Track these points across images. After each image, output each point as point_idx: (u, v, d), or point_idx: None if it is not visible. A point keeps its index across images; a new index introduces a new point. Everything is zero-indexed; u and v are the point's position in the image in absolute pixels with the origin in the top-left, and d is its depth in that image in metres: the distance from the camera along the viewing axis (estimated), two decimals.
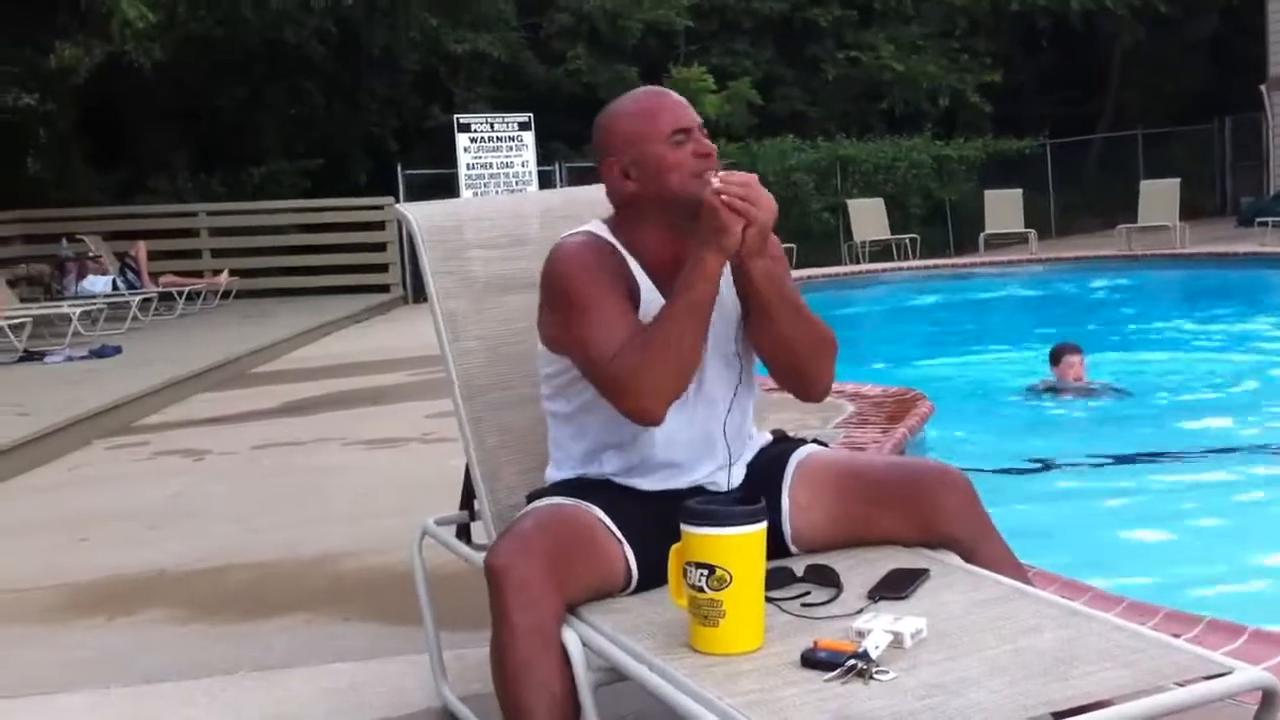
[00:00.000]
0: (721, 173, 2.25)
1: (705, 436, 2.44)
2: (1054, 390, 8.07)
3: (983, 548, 2.34)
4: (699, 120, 2.42)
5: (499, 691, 2.13)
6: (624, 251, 2.43)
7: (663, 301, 2.31)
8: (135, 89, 18.97)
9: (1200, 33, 26.19)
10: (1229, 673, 1.79)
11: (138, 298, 14.34)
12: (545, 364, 2.50)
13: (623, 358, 2.23)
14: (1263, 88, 22.96)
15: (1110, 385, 8.27)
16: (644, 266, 2.42)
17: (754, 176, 2.23)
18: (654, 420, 2.28)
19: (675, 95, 2.46)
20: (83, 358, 10.88)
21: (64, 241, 15.81)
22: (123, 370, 9.95)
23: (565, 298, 2.37)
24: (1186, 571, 4.56)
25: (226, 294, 16.90)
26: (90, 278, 15.04)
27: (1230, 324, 11.67)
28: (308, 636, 3.68)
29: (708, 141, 2.39)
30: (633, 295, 2.37)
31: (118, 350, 11.23)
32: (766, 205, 2.20)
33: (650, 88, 2.52)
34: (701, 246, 2.22)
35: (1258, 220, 18.56)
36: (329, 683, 3.26)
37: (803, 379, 2.44)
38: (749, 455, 2.54)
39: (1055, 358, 8.18)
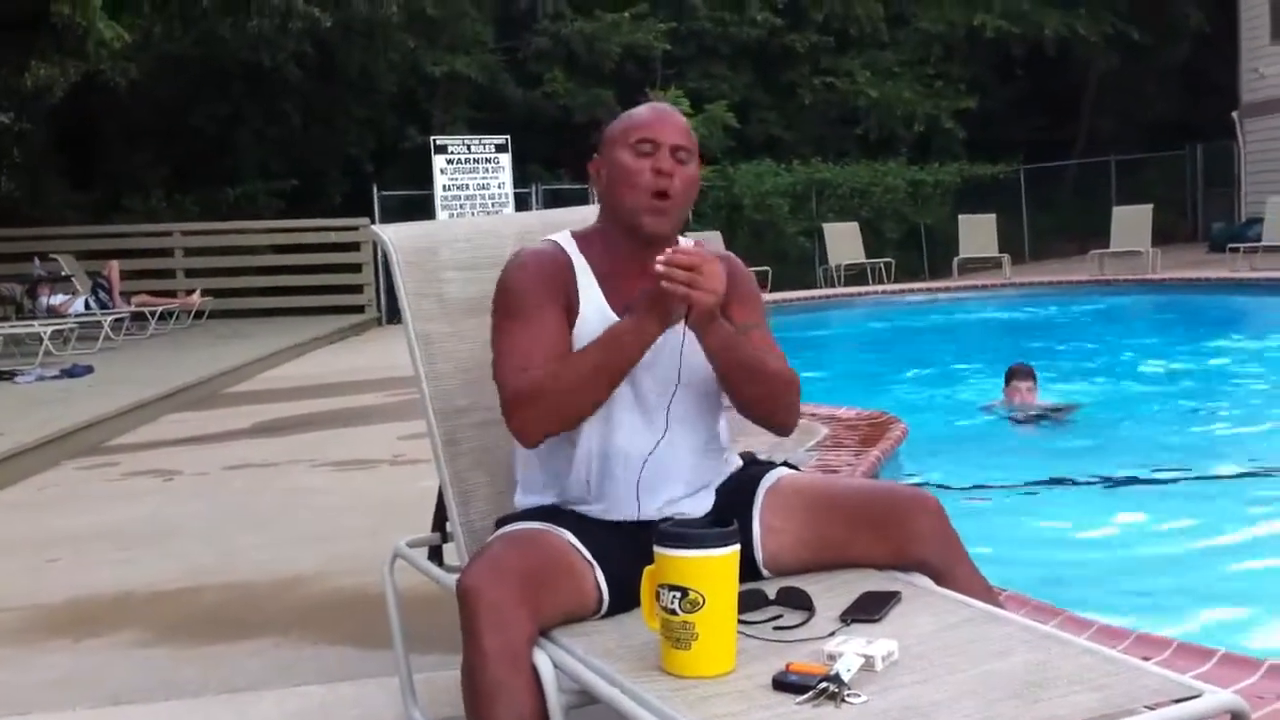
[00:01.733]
0: (671, 249, 2.22)
1: (666, 463, 2.42)
2: (1018, 415, 8.06)
3: (955, 571, 2.35)
4: (681, 144, 2.40)
5: (469, 714, 2.12)
6: (581, 263, 2.45)
7: (610, 314, 2.37)
8: (111, 108, 18.95)
9: (1172, 60, 26.45)
10: (1199, 696, 1.79)
11: (110, 317, 14.27)
12: None
13: (527, 376, 2.29)
14: (1234, 115, 23.18)
15: (1062, 406, 8.23)
16: (600, 279, 2.44)
17: (704, 255, 2.21)
18: (525, 442, 2.34)
19: (674, 116, 2.46)
20: (54, 377, 10.81)
21: (36, 261, 15.74)
22: (94, 390, 9.90)
23: (502, 304, 2.42)
24: (1157, 594, 4.57)
25: (200, 314, 16.86)
26: (62, 298, 14.97)
27: (1201, 348, 11.73)
28: (277, 658, 3.65)
29: (670, 161, 2.38)
30: (571, 310, 2.40)
31: (89, 370, 11.16)
32: (712, 286, 2.19)
33: (655, 104, 2.53)
34: (646, 316, 2.24)
35: (1229, 246, 18.71)
36: (298, 705, 3.24)
37: (766, 420, 2.48)
38: (718, 481, 2.54)
39: (1006, 379, 8.17)
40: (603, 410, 2.36)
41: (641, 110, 2.47)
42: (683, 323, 2.27)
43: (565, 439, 2.39)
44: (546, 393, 2.27)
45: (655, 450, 2.40)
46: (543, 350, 2.32)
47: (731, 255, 2.55)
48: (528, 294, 2.38)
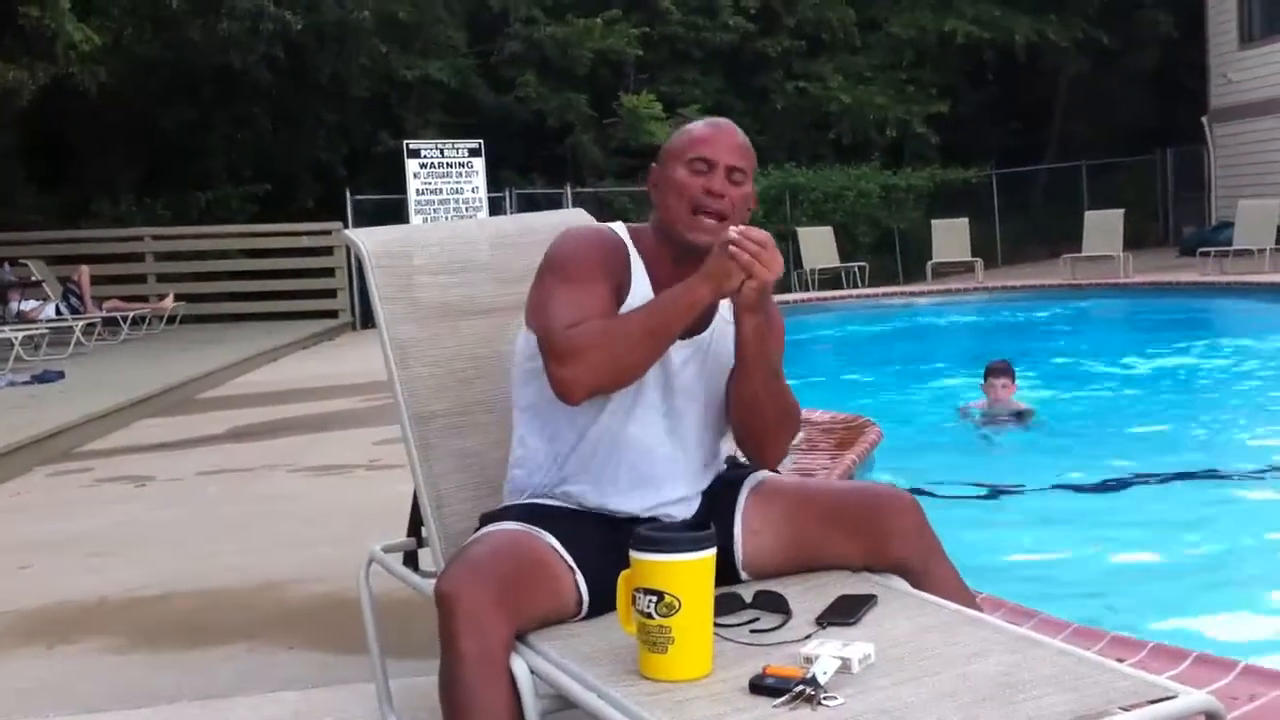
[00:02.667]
0: (744, 226, 2.27)
1: (672, 464, 2.44)
2: (988, 417, 8.06)
3: (932, 571, 2.36)
4: (737, 164, 2.41)
5: (446, 717, 2.11)
6: (635, 254, 2.46)
7: None
8: (80, 112, 18.80)
9: (1142, 65, 26.60)
10: (1174, 697, 1.80)
11: (81, 323, 14.18)
12: (524, 346, 2.49)
13: (578, 330, 2.27)
14: (1204, 119, 23.34)
15: (1025, 410, 8.24)
16: (650, 274, 2.45)
17: (770, 237, 2.24)
18: (571, 396, 2.30)
19: (732, 135, 2.46)
20: (25, 383, 10.73)
21: (6, 266, 15.63)
22: (66, 396, 9.83)
23: (554, 266, 2.41)
24: (1132, 596, 4.60)
25: (172, 319, 16.77)
26: (33, 303, 14.87)
27: (1172, 352, 11.81)
28: (252, 665, 3.63)
29: (723, 181, 2.39)
30: (621, 290, 2.40)
31: (61, 375, 11.09)
32: (774, 267, 2.23)
33: (717, 120, 2.54)
34: (700, 278, 2.25)
35: (1199, 250, 18.81)
36: (273, 712, 3.23)
37: (759, 444, 2.48)
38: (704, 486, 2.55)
39: (984, 376, 8.16)
40: (627, 404, 2.38)
41: (701, 127, 2.48)
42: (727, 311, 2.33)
43: (588, 417, 2.39)
44: (597, 346, 2.26)
45: (668, 449, 2.43)
46: (593, 313, 2.31)
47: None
48: (583, 262, 2.39)
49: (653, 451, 2.42)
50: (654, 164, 2.52)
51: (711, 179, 2.39)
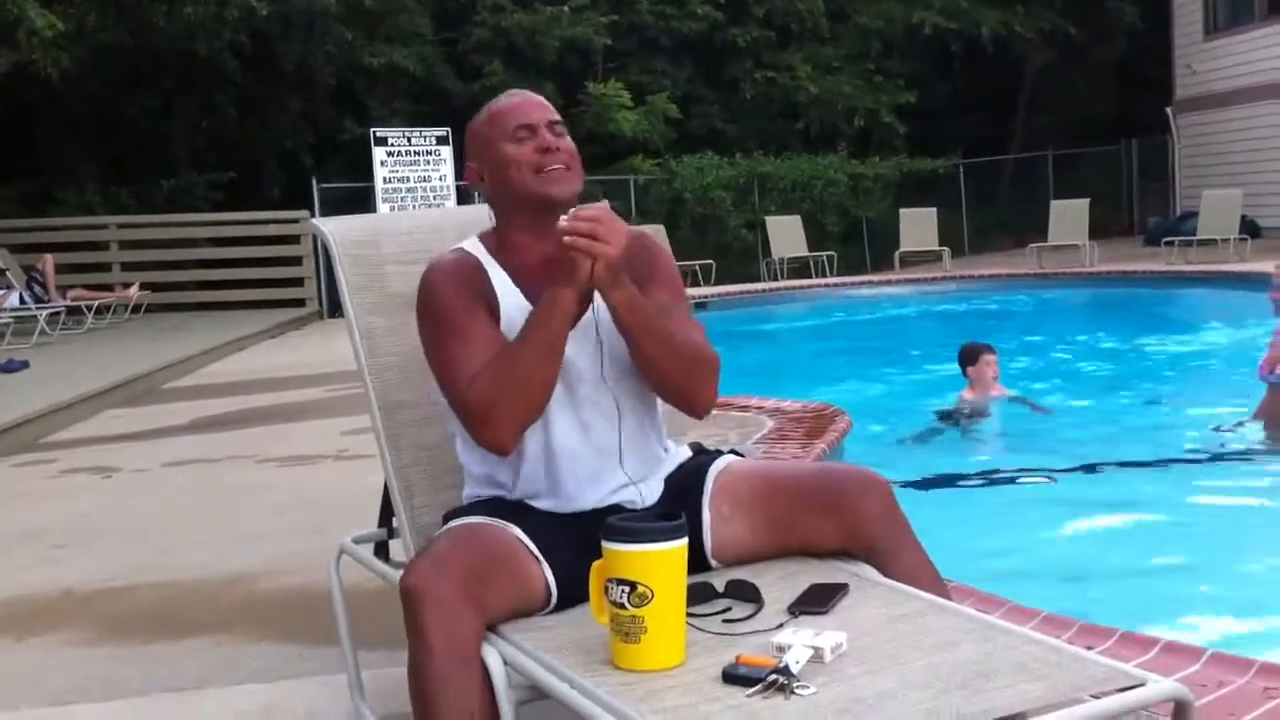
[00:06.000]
0: (574, 209, 2.28)
1: (605, 454, 2.43)
2: (973, 414, 8.05)
3: (902, 555, 2.35)
4: (552, 118, 2.46)
5: (417, 711, 2.11)
6: (492, 264, 2.46)
7: (528, 307, 2.36)
8: (43, 99, 18.64)
9: (1108, 56, 26.74)
10: (1142, 685, 1.81)
11: (45, 312, 14.07)
12: (435, 387, 2.49)
13: (475, 386, 2.28)
14: (1169, 110, 23.48)
15: (1023, 399, 8.29)
16: (513, 276, 2.45)
17: (604, 209, 2.26)
18: (502, 450, 2.33)
19: (530, 95, 2.52)
20: None
21: None
22: (30, 386, 9.76)
23: (429, 320, 2.42)
24: (1101, 584, 4.63)
25: (137, 308, 16.66)
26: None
27: (1138, 341, 11.89)
28: (221, 657, 3.61)
29: (550, 136, 2.43)
30: (494, 312, 2.40)
31: (25, 365, 11.01)
32: (613, 238, 2.22)
33: (510, 90, 2.58)
34: (555, 282, 2.26)
35: (1164, 239, 18.95)
36: (242, 704, 3.21)
37: (681, 398, 2.46)
38: (665, 470, 2.54)
39: (972, 357, 7.95)
40: (541, 417, 2.36)
41: (504, 101, 2.52)
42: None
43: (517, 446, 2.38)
44: (499, 397, 2.27)
45: (594, 442, 2.41)
46: (482, 359, 2.31)
47: (646, 233, 2.56)
48: (452, 306, 2.38)
49: (580, 448, 2.41)
50: (469, 164, 2.52)
51: (539, 139, 2.43)
